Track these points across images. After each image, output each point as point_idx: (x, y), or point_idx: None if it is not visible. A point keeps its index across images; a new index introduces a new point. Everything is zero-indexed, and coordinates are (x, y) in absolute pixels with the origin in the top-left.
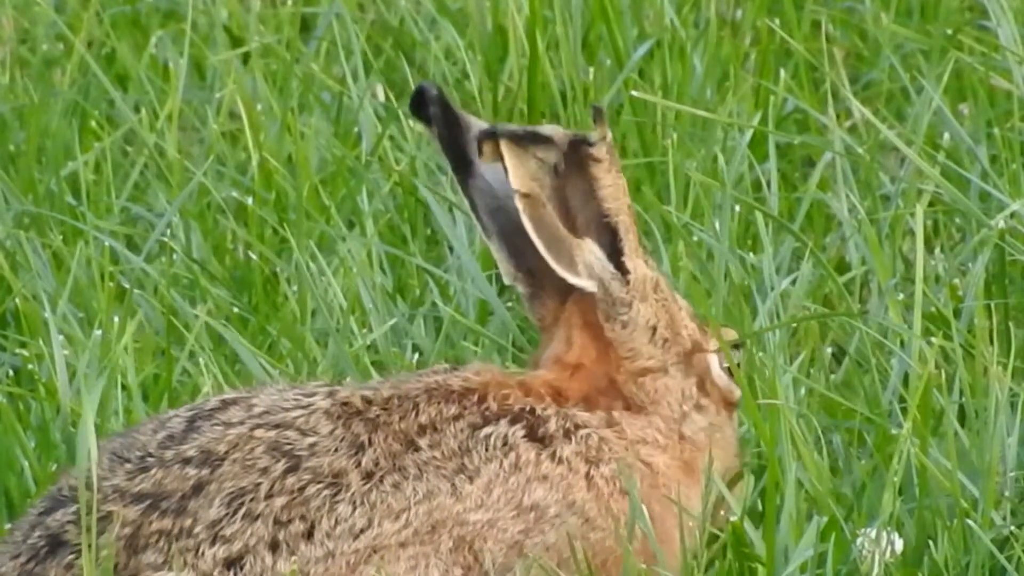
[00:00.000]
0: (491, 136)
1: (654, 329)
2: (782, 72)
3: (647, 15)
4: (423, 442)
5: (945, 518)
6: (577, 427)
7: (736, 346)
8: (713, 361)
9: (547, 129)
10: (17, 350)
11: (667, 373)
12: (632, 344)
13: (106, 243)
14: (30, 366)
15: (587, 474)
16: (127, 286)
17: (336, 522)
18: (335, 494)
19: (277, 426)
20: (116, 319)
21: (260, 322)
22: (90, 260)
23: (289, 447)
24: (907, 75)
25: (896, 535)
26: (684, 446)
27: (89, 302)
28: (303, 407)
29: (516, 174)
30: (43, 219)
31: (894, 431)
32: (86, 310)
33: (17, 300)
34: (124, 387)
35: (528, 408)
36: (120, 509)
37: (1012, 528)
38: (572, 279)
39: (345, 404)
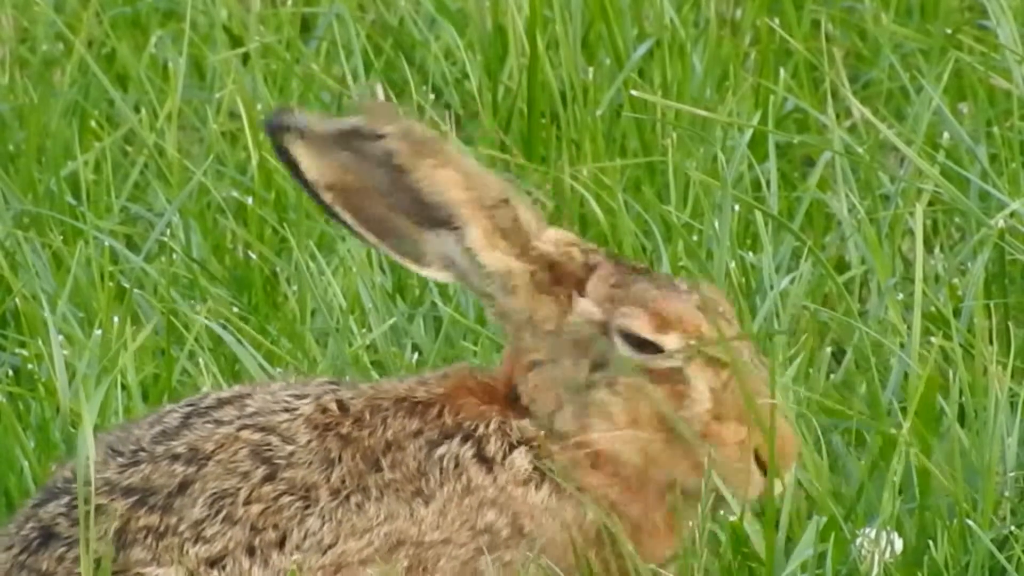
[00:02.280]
0: (277, 132)
1: (529, 320)
2: (782, 72)
3: (647, 15)
4: (386, 462)
5: (945, 518)
6: (512, 447)
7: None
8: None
9: (350, 122)
10: (17, 350)
11: (555, 364)
12: (516, 339)
13: (106, 243)
14: (30, 366)
15: (524, 498)
16: (127, 286)
17: (305, 535)
18: (306, 507)
19: (262, 429)
20: (116, 319)
21: (260, 322)
22: (90, 260)
23: (270, 454)
24: (907, 74)
25: (896, 535)
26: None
27: (89, 302)
28: (289, 411)
29: (313, 166)
30: (43, 219)
31: (893, 431)
32: (86, 310)
33: (17, 300)
34: (124, 387)
35: (474, 426)
36: (111, 504)
37: (1012, 528)
38: (421, 271)
39: (324, 411)
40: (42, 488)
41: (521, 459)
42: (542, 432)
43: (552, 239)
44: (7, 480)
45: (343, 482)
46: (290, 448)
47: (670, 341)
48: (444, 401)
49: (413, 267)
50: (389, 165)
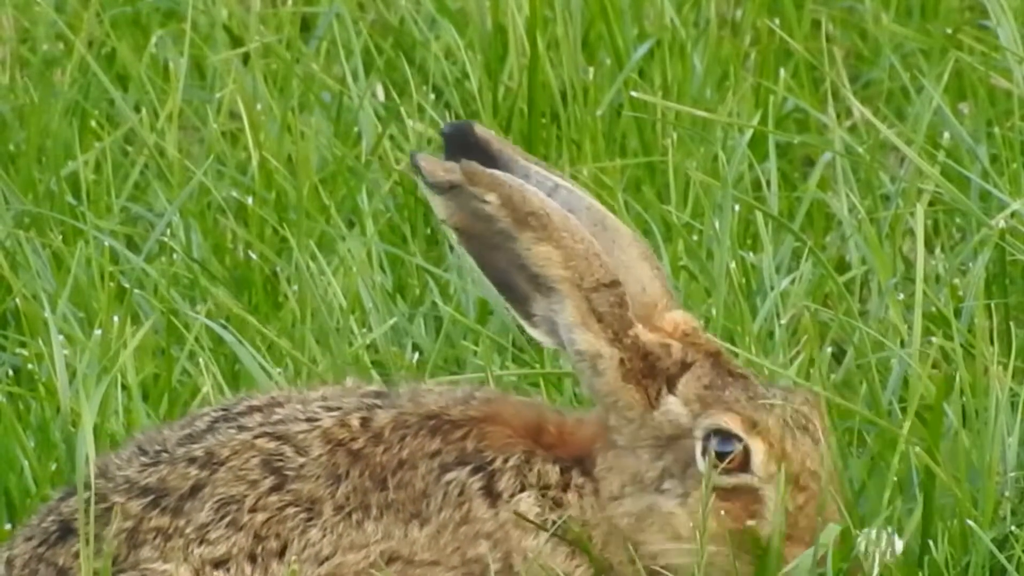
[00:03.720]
0: (426, 179)
1: (615, 404)
2: (782, 72)
3: (647, 15)
4: (393, 481)
5: (946, 518)
6: (523, 488)
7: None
8: (698, 449)
9: (451, 177)
10: (17, 350)
11: (633, 452)
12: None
13: (106, 243)
14: (30, 366)
15: (520, 540)
16: (127, 286)
17: (305, 546)
18: (309, 519)
19: (279, 438)
20: (116, 319)
21: (260, 322)
22: (90, 260)
23: (280, 464)
24: (907, 74)
25: (896, 535)
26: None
27: (89, 302)
28: (311, 421)
29: (441, 205)
30: (43, 219)
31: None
32: (86, 310)
33: (17, 300)
34: (124, 387)
35: (492, 457)
36: (127, 503)
37: (1012, 528)
38: (531, 331)
39: (343, 425)
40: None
41: (528, 503)
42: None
43: (672, 322)
44: (7, 480)
45: (347, 499)
46: (301, 460)
47: (757, 448)
48: (473, 425)
49: (524, 325)
50: (498, 226)
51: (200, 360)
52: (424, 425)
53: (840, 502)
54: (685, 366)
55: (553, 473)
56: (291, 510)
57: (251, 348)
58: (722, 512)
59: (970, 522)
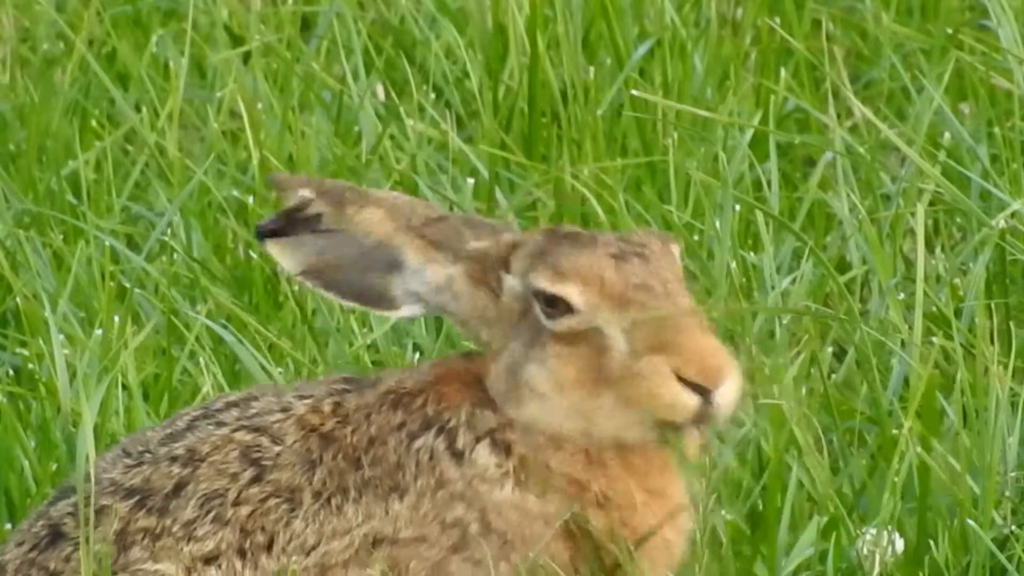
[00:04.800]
0: (260, 238)
1: (481, 319)
2: (783, 71)
3: (648, 14)
4: (367, 459)
5: (946, 518)
6: (477, 440)
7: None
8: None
9: (286, 207)
10: (17, 350)
11: (506, 350)
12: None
13: (107, 242)
14: (30, 366)
15: (489, 493)
16: (128, 285)
17: (291, 538)
18: (292, 510)
19: (256, 430)
20: (116, 319)
21: (260, 322)
22: (91, 259)
23: (258, 455)
24: (908, 74)
25: (897, 535)
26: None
27: (89, 301)
28: (285, 411)
29: (287, 261)
30: (44, 218)
31: (894, 431)
32: (86, 310)
33: (17, 299)
34: (124, 387)
35: (448, 417)
36: (113, 504)
37: (1012, 528)
38: (393, 315)
39: (316, 411)
40: (60, 486)
41: (484, 454)
42: (503, 423)
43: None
44: (7, 480)
45: (324, 484)
46: (277, 449)
47: (571, 293)
48: (429, 389)
49: (388, 314)
50: (328, 229)
51: (200, 360)
52: (385, 401)
53: (701, 318)
54: (515, 245)
55: (491, 417)
56: (273, 501)
57: (251, 348)
58: (572, 357)
59: (970, 522)
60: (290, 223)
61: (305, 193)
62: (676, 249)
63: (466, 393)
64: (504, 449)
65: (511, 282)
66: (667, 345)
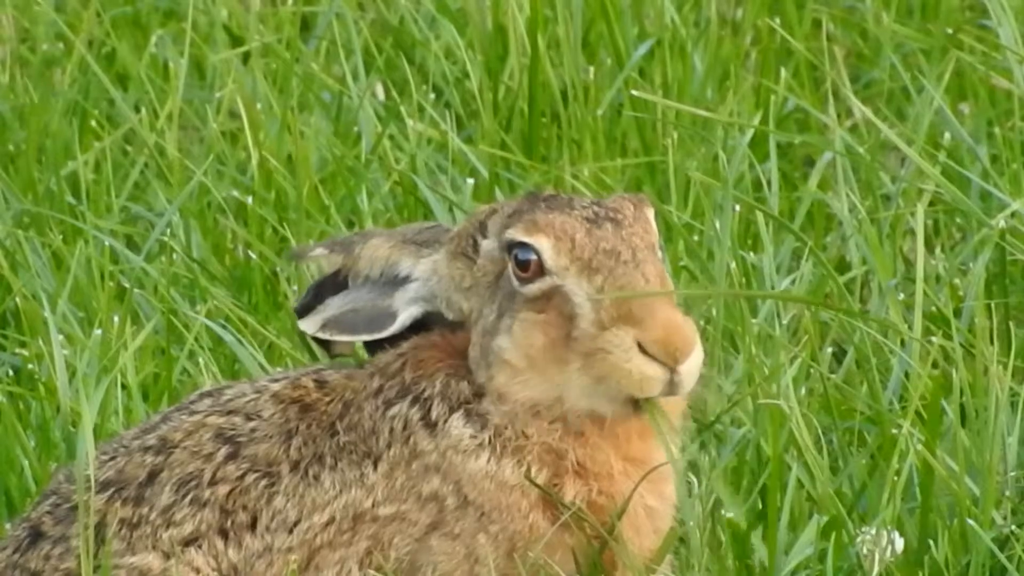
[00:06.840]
0: (299, 317)
1: (464, 291)
2: (783, 71)
3: (648, 14)
4: (342, 424)
5: (946, 518)
6: (451, 411)
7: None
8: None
9: (318, 280)
10: (17, 350)
11: (480, 316)
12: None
13: (106, 242)
14: (30, 366)
15: (464, 465)
16: (127, 286)
17: (273, 515)
18: (271, 484)
19: (229, 412)
20: (116, 319)
21: (260, 322)
22: (90, 259)
23: (232, 432)
24: (908, 74)
25: (897, 535)
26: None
27: (89, 302)
28: (258, 392)
29: (310, 324)
30: (43, 218)
31: (894, 431)
32: (86, 310)
33: (17, 299)
34: (124, 387)
35: (423, 387)
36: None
37: (1012, 528)
38: (399, 326)
39: (296, 386)
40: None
41: (458, 425)
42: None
43: None
44: (7, 480)
45: (300, 452)
46: (252, 424)
47: (544, 246)
48: (408, 355)
49: (398, 326)
50: (346, 279)
51: (200, 360)
52: (365, 368)
53: (668, 284)
54: (493, 211)
55: (466, 387)
56: (251, 477)
57: (251, 348)
58: (540, 324)
59: (970, 521)
60: (318, 295)
61: (319, 251)
62: (651, 212)
63: (444, 362)
64: (479, 419)
65: (487, 245)
66: (631, 317)
